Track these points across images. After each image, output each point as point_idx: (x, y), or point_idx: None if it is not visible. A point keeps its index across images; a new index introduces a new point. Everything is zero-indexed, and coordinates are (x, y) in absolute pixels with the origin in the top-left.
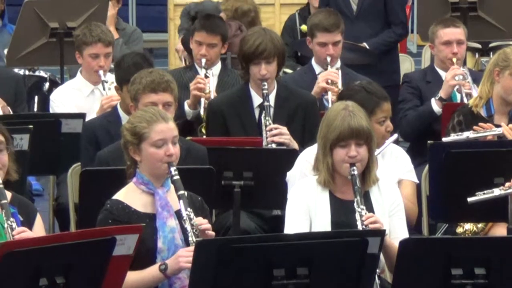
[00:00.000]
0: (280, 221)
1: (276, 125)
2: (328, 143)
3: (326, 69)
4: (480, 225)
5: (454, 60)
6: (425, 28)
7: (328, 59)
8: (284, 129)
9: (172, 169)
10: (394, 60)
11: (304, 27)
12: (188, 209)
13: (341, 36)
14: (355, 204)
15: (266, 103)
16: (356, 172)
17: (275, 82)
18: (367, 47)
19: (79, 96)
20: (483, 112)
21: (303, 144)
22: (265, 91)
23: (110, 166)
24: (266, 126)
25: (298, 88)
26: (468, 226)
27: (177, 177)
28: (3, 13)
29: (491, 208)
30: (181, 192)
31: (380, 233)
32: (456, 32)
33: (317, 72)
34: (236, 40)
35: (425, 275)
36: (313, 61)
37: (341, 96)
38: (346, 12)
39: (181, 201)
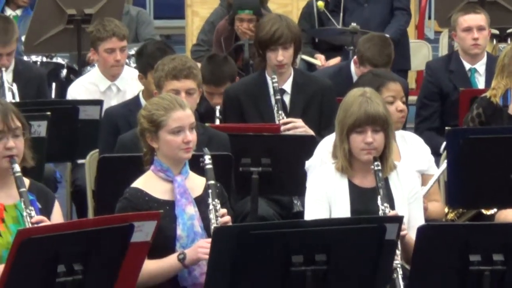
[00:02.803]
0: (301, 217)
1: (290, 119)
2: (344, 128)
3: None
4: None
5: None
6: (443, 14)
7: None
8: (298, 122)
9: (207, 157)
10: (404, 45)
11: (320, 4)
12: (216, 200)
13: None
14: (378, 201)
15: (277, 97)
16: (379, 167)
17: (291, 69)
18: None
19: (96, 91)
20: (500, 102)
21: (320, 131)
22: (275, 85)
23: (131, 151)
24: (279, 120)
25: (316, 75)
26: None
27: (210, 166)
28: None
29: (508, 194)
30: (211, 182)
31: (398, 220)
32: (477, 18)
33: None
34: None
35: (443, 261)
36: (352, 67)
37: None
38: None
39: (210, 191)
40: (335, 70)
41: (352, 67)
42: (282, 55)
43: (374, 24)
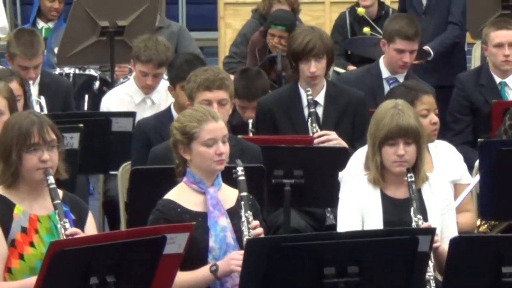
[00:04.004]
0: (334, 230)
1: (323, 132)
2: (376, 141)
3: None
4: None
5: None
6: (475, 25)
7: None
8: (332, 135)
9: (239, 168)
10: (458, 61)
11: (361, 10)
12: (248, 211)
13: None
14: (411, 213)
15: (311, 109)
16: (413, 179)
17: (324, 81)
18: (431, 51)
19: (130, 103)
20: None
21: (353, 143)
22: (310, 97)
23: (164, 163)
24: (313, 133)
25: (349, 87)
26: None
27: (242, 177)
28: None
29: None
30: (244, 193)
31: (431, 232)
32: (508, 34)
33: (384, 76)
34: None
35: (476, 273)
36: (381, 63)
37: (385, 98)
38: (416, 7)
39: (242, 202)
40: (361, 70)
41: (381, 64)
42: (314, 67)
43: (427, 36)
